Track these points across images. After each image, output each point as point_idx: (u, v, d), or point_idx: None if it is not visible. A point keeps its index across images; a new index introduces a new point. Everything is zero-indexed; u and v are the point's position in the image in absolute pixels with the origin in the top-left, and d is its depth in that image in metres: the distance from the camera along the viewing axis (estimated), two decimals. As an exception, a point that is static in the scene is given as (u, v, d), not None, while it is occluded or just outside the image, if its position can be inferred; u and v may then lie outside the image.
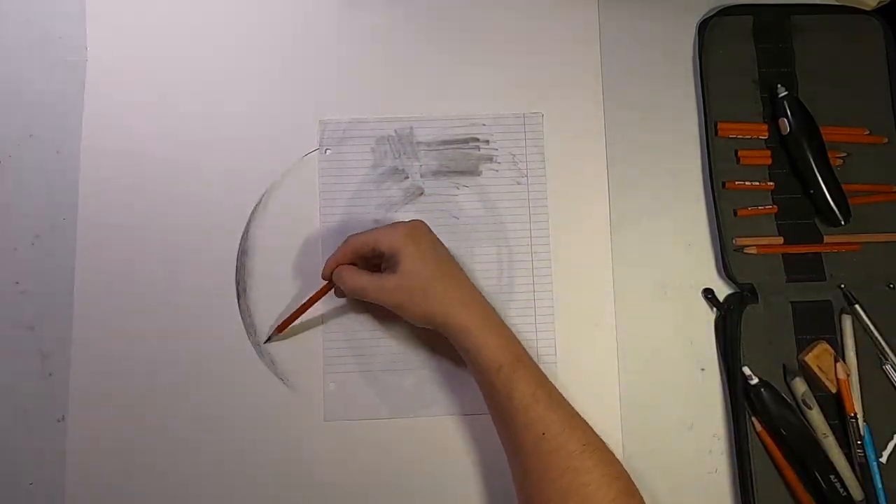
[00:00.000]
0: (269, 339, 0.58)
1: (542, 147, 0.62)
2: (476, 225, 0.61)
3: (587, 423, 0.51)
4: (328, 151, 0.62)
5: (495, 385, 0.50)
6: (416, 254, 0.52)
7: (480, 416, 0.58)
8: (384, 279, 0.53)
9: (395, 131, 0.62)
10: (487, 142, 0.62)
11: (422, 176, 0.62)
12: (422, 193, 0.62)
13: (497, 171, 0.62)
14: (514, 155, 0.62)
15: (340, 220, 0.61)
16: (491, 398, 0.52)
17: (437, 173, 0.62)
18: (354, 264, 0.56)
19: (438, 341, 0.56)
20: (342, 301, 0.59)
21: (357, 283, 0.54)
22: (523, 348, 0.53)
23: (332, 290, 0.57)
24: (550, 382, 0.52)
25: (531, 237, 0.61)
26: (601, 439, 0.50)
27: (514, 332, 0.53)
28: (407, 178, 0.62)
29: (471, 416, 0.58)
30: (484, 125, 0.62)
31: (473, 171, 0.62)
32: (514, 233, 0.61)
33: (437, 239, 0.56)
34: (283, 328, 0.58)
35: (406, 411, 0.58)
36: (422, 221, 0.56)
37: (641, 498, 0.49)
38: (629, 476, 0.49)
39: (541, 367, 0.52)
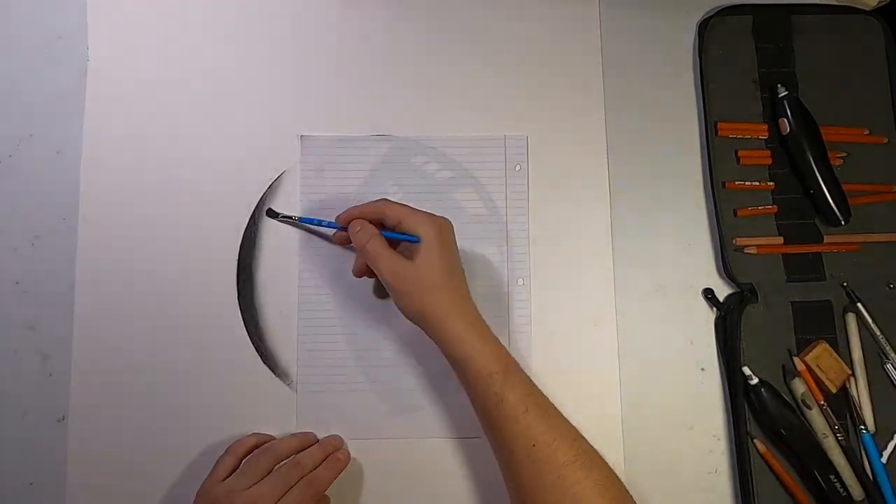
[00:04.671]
0: (270, 212, 0.60)
1: (542, 153, 0.63)
2: (477, 224, 0.61)
3: (578, 433, 0.51)
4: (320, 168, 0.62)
5: (486, 394, 0.51)
6: (436, 253, 0.52)
7: (469, 440, 0.58)
8: (400, 262, 0.52)
9: (395, 135, 0.62)
10: (487, 148, 0.63)
11: (424, 173, 0.62)
12: (424, 190, 0.62)
13: (498, 172, 0.62)
14: (516, 160, 0.62)
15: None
16: (481, 408, 0.52)
17: (438, 172, 0.62)
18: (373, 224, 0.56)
19: (426, 351, 0.56)
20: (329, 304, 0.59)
21: (374, 249, 0.53)
22: (513, 359, 0.53)
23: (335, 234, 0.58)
24: (541, 393, 0.52)
25: (532, 237, 0.61)
26: (593, 448, 0.50)
27: (503, 342, 0.53)
28: (409, 177, 0.62)
29: (459, 440, 0.58)
30: (482, 137, 0.63)
31: (472, 174, 0.62)
32: (514, 232, 0.61)
33: (455, 244, 0.55)
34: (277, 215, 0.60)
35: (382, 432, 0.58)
36: (449, 221, 0.55)
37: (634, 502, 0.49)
38: (621, 483, 0.50)
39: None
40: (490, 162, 0.62)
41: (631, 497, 0.49)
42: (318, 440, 0.57)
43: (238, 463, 0.53)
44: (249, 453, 0.54)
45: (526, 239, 0.61)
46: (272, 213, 0.60)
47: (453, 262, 0.54)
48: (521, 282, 0.61)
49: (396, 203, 0.55)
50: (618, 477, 0.50)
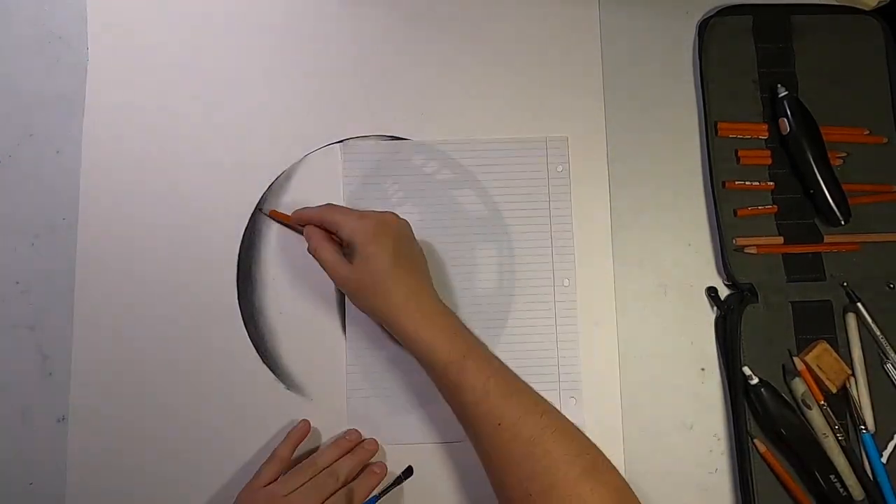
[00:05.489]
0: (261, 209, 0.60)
1: (552, 158, 0.63)
2: (478, 224, 0.61)
3: (548, 406, 0.51)
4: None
5: (445, 384, 0.51)
6: (373, 250, 0.52)
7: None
8: (341, 265, 0.53)
9: (396, 141, 0.62)
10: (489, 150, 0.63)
11: (426, 175, 0.62)
12: (424, 193, 0.62)
13: (499, 173, 0.62)
14: (517, 161, 0.62)
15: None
16: (445, 395, 0.53)
17: (440, 171, 0.62)
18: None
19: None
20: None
21: (321, 253, 0.54)
22: (474, 340, 0.53)
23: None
24: (506, 371, 0.53)
25: (532, 237, 0.61)
26: (565, 419, 0.51)
27: (463, 324, 0.54)
28: (409, 179, 0.62)
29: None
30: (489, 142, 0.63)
31: (475, 176, 0.62)
32: (515, 233, 0.61)
33: (405, 234, 0.55)
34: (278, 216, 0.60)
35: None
36: (393, 215, 0.55)
37: (611, 467, 0.49)
38: (597, 450, 0.50)
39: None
40: (531, 164, 0.62)
41: (604, 460, 0.49)
42: (361, 440, 0.57)
43: (280, 467, 0.54)
44: (292, 455, 0.55)
45: (571, 240, 0.61)
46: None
47: (399, 254, 0.53)
48: (566, 282, 0.61)
49: (336, 208, 0.56)
50: (594, 445, 0.50)
